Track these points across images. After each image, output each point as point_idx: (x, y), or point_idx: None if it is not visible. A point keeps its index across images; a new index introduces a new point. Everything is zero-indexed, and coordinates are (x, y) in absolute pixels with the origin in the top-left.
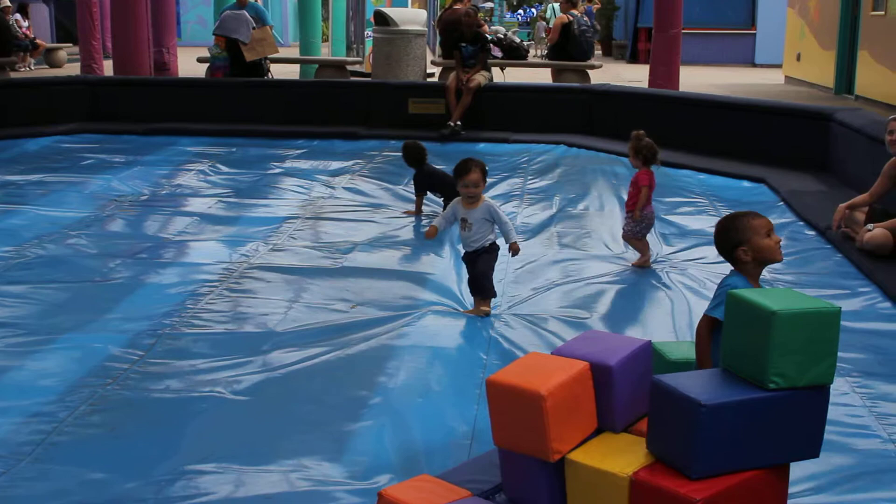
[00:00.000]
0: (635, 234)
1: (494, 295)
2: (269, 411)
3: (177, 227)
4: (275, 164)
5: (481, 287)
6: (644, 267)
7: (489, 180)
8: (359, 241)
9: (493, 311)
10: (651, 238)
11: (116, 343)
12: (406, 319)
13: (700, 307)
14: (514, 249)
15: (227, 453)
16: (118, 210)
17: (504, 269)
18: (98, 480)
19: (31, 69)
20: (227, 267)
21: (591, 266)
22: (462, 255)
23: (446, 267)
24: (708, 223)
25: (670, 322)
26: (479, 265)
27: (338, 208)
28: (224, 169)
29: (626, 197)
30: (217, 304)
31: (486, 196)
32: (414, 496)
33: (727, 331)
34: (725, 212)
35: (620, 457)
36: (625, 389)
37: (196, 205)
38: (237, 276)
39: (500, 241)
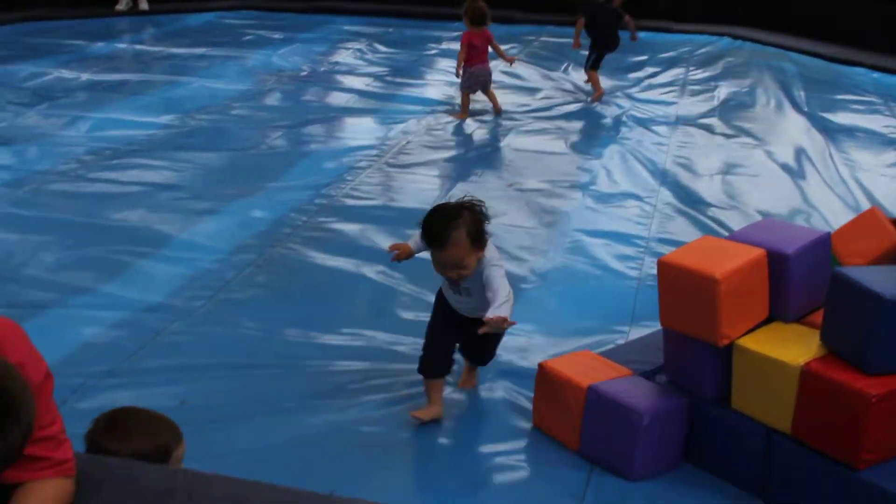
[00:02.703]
0: (464, 88)
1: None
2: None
3: (335, 103)
4: (431, 45)
5: (484, 360)
6: (461, 119)
7: (650, 69)
8: (514, 124)
9: (657, 195)
10: (817, 135)
11: (278, 210)
12: (561, 202)
13: (864, 203)
14: (488, 322)
15: (370, 325)
16: (278, 84)
17: (665, 156)
18: (260, 336)
19: None
20: (385, 143)
21: (752, 158)
22: (452, 312)
23: (612, 149)
24: (880, 123)
25: (834, 218)
26: (488, 347)
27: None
28: (381, 48)
29: (792, 90)
30: (375, 177)
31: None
32: (574, 370)
33: None
34: None
35: (792, 346)
36: (801, 279)
37: (353, 82)
38: (395, 152)
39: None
